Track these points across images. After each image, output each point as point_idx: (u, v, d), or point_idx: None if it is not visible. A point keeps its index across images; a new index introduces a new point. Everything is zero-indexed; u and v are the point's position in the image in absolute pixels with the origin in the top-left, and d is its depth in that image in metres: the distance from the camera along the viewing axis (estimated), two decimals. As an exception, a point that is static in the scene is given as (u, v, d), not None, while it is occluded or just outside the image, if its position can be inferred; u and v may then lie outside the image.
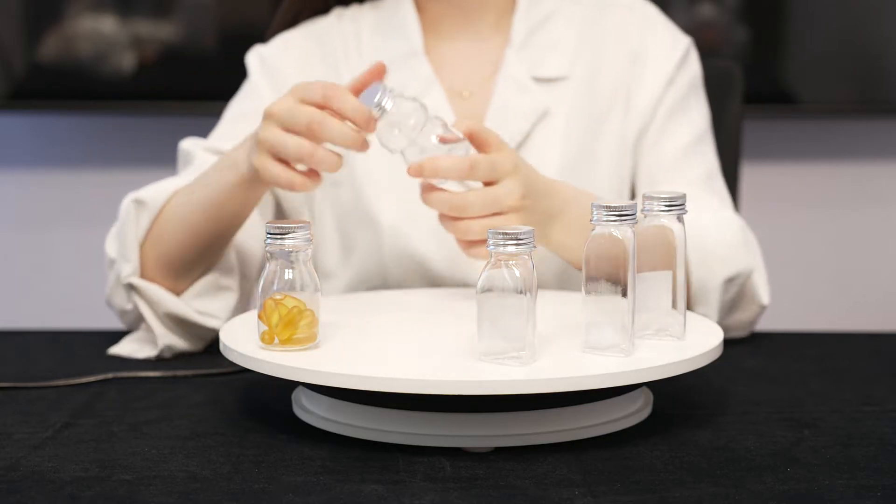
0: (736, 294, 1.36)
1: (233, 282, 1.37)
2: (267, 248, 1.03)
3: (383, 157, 1.37)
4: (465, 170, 1.18)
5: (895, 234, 2.47)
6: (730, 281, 1.35)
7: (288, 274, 1.03)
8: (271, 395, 1.15)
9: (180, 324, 1.33)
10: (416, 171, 1.19)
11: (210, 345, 1.36)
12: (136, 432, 1.05)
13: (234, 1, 2.35)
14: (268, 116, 1.20)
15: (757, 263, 1.38)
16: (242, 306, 1.40)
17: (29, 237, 2.44)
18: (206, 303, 1.35)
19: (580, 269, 1.06)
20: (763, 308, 1.39)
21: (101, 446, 1.01)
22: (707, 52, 1.52)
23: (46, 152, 2.41)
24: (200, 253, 1.33)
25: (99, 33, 2.29)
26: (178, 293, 1.35)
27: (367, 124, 1.17)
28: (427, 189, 1.21)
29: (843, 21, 2.34)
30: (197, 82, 2.29)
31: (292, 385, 1.11)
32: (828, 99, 2.36)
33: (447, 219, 1.21)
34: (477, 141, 1.21)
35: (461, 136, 1.20)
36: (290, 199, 1.47)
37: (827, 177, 2.45)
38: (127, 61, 2.31)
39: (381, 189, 1.44)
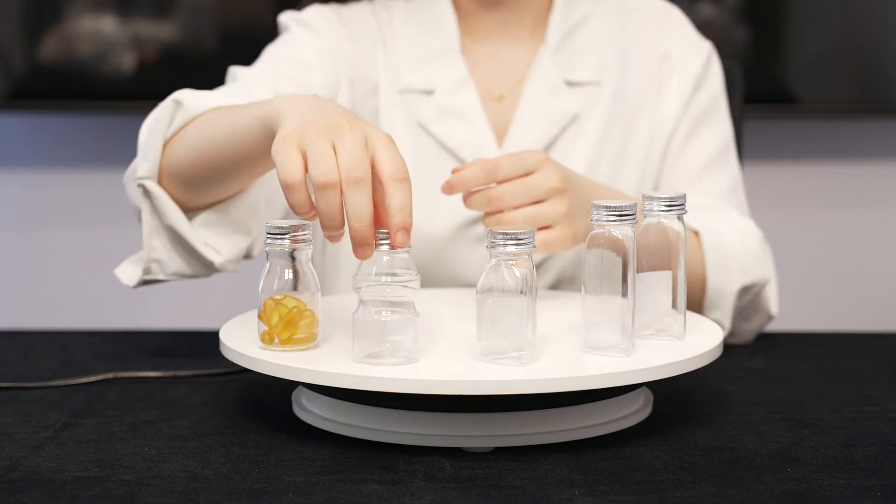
0: (749, 303, 1.36)
1: (253, 225, 1.28)
2: (267, 248, 1.03)
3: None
4: (490, 171, 1.17)
5: (895, 234, 2.47)
6: (746, 289, 1.34)
7: (288, 274, 1.03)
8: (271, 395, 1.15)
9: (179, 241, 1.25)
10: (447, 189, 1.18)
11: (209, 272, 1.26)
12: (136, 432, 1.05)
13: (234, 1, 2.35)
14: (336, 127, 0.99)
15: (772, 275, 1.39)
16: (255, 254, 1.31)
17: (29, 237, 2.43)
18: (215, 237, 1.26)
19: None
20: (771, 318, 1.39)
21: (101, 446, 1.01)
22: (707, 52, 1.52)
23: (46, 152, 2.41)
24: (207, 180, 1.21)
25: (99, 33, 2.29)
26: (192, 208, 1.25)
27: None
28: (467, 195, 1.20)
29: (843, 21, 2.34)
30: (197, 82, 2.26)
31: (292, 385, 1.11)
32: (828, 99, 2.36)
33: (491, 217, 1.19)
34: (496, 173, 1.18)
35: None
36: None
37: (827, 177, 2.45)
38: (127, 61, 2.31)
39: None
